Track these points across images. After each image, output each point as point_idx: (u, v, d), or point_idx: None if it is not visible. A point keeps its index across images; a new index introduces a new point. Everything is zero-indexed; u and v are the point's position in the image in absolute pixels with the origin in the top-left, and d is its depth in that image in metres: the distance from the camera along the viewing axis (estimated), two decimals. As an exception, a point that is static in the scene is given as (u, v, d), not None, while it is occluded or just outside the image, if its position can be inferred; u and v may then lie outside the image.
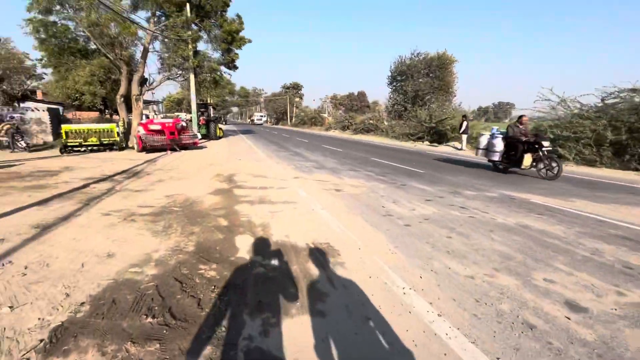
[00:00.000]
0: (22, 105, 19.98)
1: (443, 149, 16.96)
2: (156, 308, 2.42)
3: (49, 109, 17.44)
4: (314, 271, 3.02)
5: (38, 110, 16.94)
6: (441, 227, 4.29)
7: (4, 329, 2.17)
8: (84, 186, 6.90)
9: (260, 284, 2.80)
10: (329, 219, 4.52)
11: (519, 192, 6.60)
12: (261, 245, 3.64)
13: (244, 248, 3.56)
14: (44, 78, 23.00)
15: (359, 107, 69.09)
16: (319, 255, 3.37)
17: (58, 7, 13.80)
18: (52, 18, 13.89)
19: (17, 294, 2.58)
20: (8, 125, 13.95)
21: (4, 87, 20.63)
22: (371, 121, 33.92)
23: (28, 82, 22.72)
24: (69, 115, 28.05)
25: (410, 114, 33.40)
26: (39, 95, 28.63)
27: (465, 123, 15.40)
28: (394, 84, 38.85)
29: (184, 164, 10.35)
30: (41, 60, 16.79)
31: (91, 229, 4.13)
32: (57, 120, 18.54)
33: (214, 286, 2.74)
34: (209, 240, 3.77)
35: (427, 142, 21.52)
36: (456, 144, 17.74)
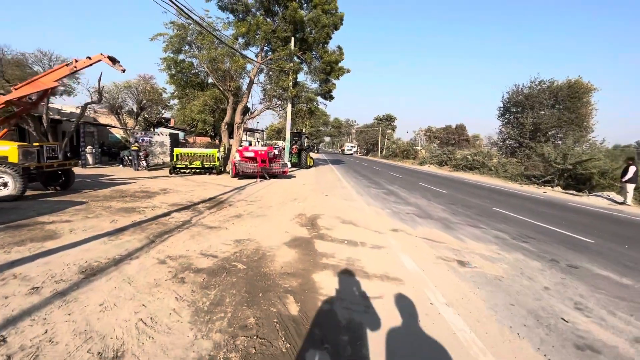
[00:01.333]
0: (155, 130, 23.80)
1: (591, 201, 12.59)
2: None
3: (170, 134, 20.05)
4: None
5: (162, 134, 19.60)
6: None
7: None
8: (166, 214, 6.52)
9: None
10: (467, 338, 2.54)
11: None
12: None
13: (316, 393, 1.92)
14: (173, 108, 27.21)
15: (456, 140, 63.29)
16: None
17: (187, 47, 15.80)
18: (180, 56, 15.93)
19: None
20: (136, 147, 16.12)
21: (146, 115, 25.03)
22: (476, 157, 29.47)
23: (163, 112, 27.22)
24: (190, 140, 32.61)
25: (529, 150, 27.99)
26: (172, 122, 34.27)
27: (633, 169, 11.04)
28: (507, 115, 33.63)
29: (268, 195, 9.64)
30: (174, 93, 19.68)
31: (129, 289, 3.14)
32: (175, 143, 21.22)
33: None
34: (263, 353, 2.27)
35: (558, 188, 16.82)
36: (612, 194, 13.03)
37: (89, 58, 8.04)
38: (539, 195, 13.83)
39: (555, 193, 15.14)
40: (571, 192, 15.51)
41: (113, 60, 8.11)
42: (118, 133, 24.50)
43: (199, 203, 7.87)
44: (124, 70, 8.27)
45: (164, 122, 30.10)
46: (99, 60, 8.12)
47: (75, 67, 8.00)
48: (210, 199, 8.58)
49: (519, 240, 5.64)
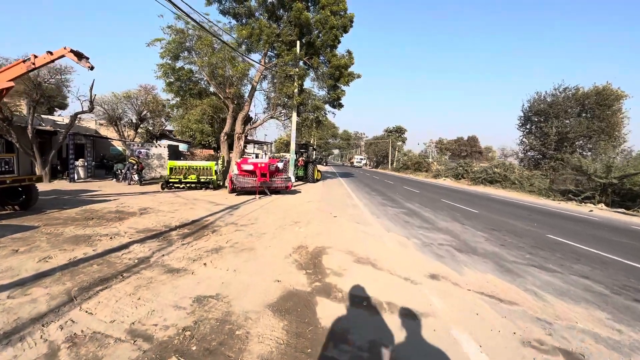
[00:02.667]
0: (158, 142, 22.69)
1: (654, 222, 10.47)
2: None
3: (169, 146, 18.80)
4: None
5: (160, 146, 18.36)
6: None
7: None
8: (123, 247, 4.93)
9: None
10: None
11: None
12: None
13: None
14: (176, 119, 26.13)
15: (468, 152, 61.29)
16: None
17: (185, 53, 14.65)
18: (178, 64, 14.76)
19: None
20: (134, 159, 14.82)
21: (149, 127, 24.02)
22: (497, 169, 27.34)
23: (166, 123, 26.24)
24: (196, 152, 31.40)
25: (554, 162, 25.85)
26: (176, 134, 33.23)
27: None
28: (528, 125, 31.49)
29: (264, 216, 8.00)
30: (175, 103, 18.43)
31: None
32: (175, 156, 19.96)
33: None
34: None
35: (602, 205, 14.65)
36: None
37: (50, 53, 6.72)
38: (587, 215, 11.76)
39: (602, 212, 13.02)
40: (619, 210, 13.37)
41: (79, 56, 6.76)
42: (119, 145, 23.50)
43: (175, 229, 6.27)
44: (91, 68, 6.90)
45: (167, 134, 29.10)
46: (62, 56, 6.79)
47: (34, 63, 6.67)
48: (192, 222, 6.98)
49: (627, 297, 3.77)
